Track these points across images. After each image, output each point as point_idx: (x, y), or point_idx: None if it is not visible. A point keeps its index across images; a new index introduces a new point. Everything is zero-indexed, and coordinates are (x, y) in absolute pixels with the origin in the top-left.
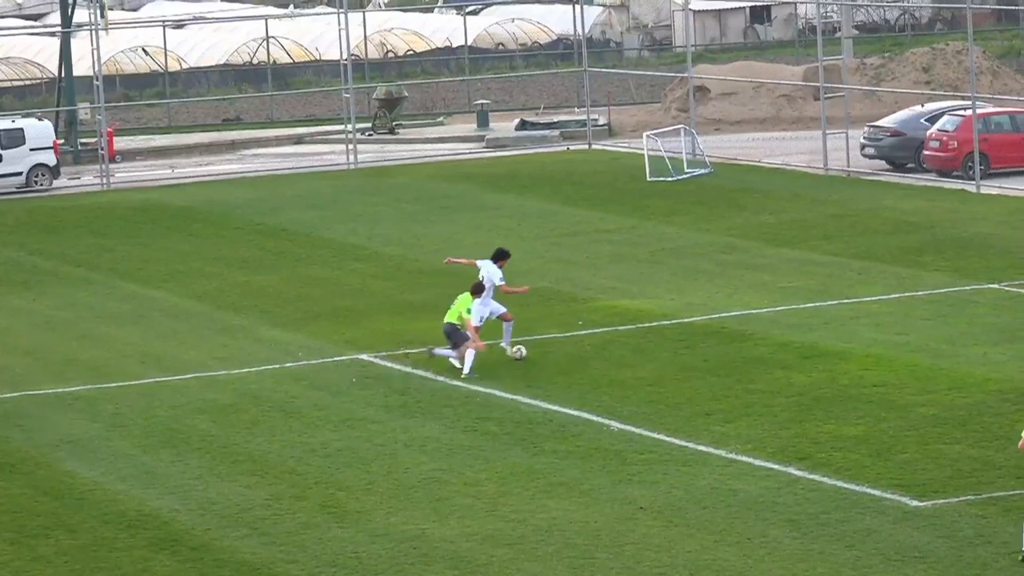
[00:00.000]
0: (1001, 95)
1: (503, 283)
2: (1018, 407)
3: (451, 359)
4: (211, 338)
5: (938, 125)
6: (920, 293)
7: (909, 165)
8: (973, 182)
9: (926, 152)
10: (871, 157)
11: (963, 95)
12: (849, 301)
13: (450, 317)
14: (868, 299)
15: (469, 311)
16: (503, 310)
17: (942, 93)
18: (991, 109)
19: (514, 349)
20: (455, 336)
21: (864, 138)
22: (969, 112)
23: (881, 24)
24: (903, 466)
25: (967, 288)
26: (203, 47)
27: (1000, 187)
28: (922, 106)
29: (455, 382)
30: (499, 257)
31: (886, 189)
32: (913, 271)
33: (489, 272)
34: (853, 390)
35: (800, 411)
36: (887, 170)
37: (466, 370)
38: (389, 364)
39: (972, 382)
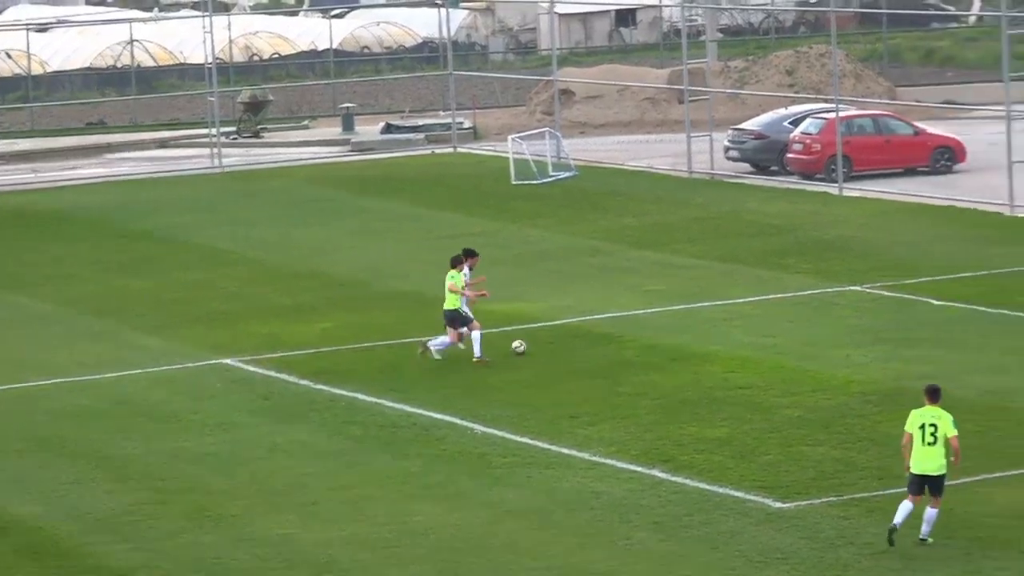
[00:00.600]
0: (864, 98)
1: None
2: (880, 408)
3: (437, 349)
4: (80, 343)
5: (801, 128)
6: (784, 295)
7: (772, 168)
8: (836, 185)
9: (789, 155)
10: (735, 160)
11: (826, 98)
12: (714, 303)
13: (449, 304)
14: (733, 301)
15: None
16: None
17: (805, 96)
18: (854, 112)
19: (516, 344)
20: (456, 322)
21: (728, 141)
22: (832, 115)
23: (745, 27)
24: (766, 468)
25: (830, 290)
26: (67, 51)
27: (862, 190)
28: (786, 109)
29: (319, 386)
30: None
31: (749, 192)
32: (776, 273)
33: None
34: (718, 392)
35: (665, 413)
36: (750, 173)
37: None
38: (256, 369)
39: (835, 384)
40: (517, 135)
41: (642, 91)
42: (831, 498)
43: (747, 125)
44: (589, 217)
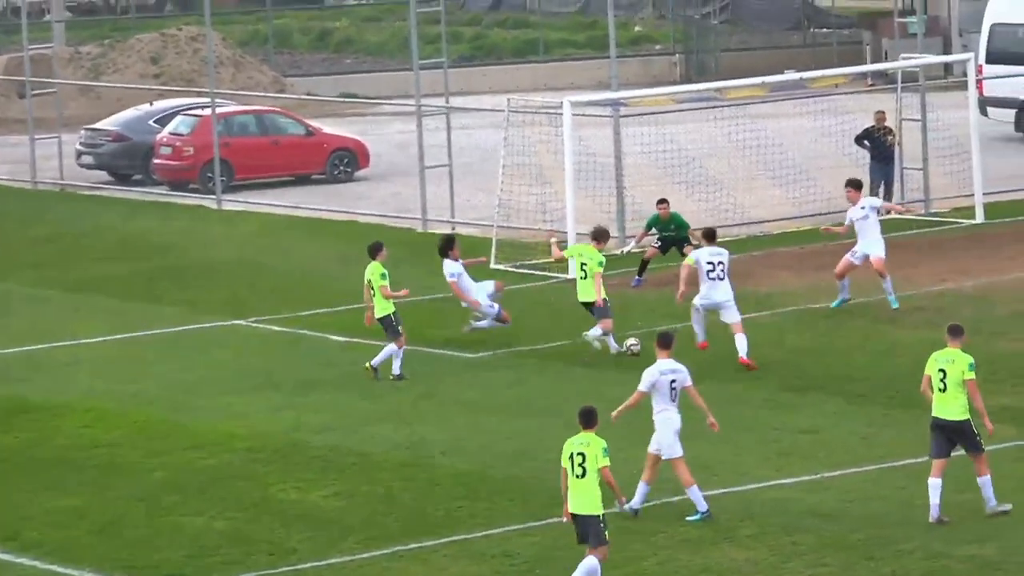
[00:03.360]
0: (245, 91)
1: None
2: (270, 468)
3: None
4: None
5: (170, 128)
6: (152, 332)
7: (136, 176)
8: (214, 197)
9: (156, 160)
10: (89, 167)
11: (200, 91)
12: (64, 343)
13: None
14: (88, 340)
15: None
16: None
17: (175, 88)
18: (234, 108)
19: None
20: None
21: (80, 144)
22: (207, 112)
23: (100, 4)
24: (134, 544)
25: (208, 326)
26: None
27: (246, 202)
28: (151, 104)
29: None
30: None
31: (109, 205)
32: (143, 305)
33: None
34: (72, 452)
35: (7, 480)
36: (109, 182)
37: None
38: None
39: (215, 439)
40: None
41: None
42: None
43: (103, 124)
44: None
